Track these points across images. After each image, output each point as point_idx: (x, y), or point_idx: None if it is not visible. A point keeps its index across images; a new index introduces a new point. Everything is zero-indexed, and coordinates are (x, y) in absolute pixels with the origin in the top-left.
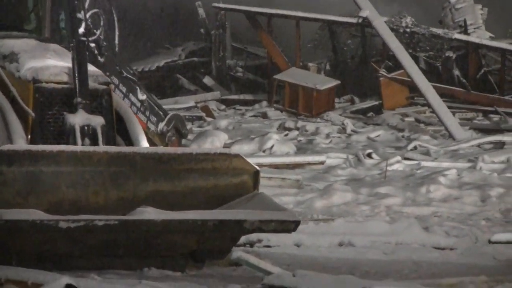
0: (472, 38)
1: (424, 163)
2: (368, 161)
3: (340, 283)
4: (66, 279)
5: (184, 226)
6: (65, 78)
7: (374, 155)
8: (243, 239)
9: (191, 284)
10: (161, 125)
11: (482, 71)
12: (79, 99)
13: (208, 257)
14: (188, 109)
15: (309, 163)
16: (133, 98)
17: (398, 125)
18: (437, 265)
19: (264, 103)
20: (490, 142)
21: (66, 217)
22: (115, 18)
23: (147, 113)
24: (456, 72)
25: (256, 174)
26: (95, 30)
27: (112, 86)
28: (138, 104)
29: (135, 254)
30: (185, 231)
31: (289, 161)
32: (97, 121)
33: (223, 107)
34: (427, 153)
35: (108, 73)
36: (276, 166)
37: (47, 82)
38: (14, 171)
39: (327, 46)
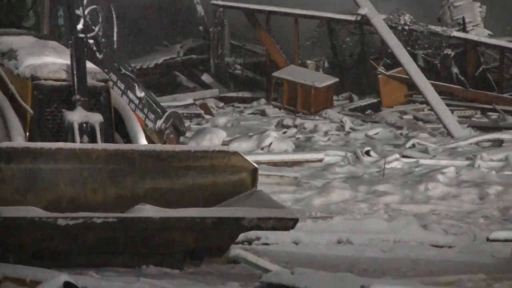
0: (471, 36)
1: (422, 161)
2: (367, 159)
3: (338, 281)
4: (64, 277)
5: (183, 223)
6: (63, 75)
7: (372, 153)
8: (241, 236)
9: (189, 282)
10: (159, 123)
11: (481, 68)
12: (77, 97)
13: (206, 255)
14: (186, 106)
15: (307, 161)
16: (131, 95)
17: (396, 123)
18: (435, 263)
19: (263, 100)
20: (489, 140)
21: (65, 215)
22: (114, 15)
23: (145, 110)
24: (455, 69)
25: (254, 172)
26: (93, 27)
27: (111, 83)
28: (136, 101)
29: (134, 251)
30: (184, 228)
31: (288, 158)
32: (96, 118)
33: (221, 104)
34: (425, 151)
35: (106, 70)
36: (275, 164)
37: (45, 80)
38: (13, 168)
39: (326, 43)
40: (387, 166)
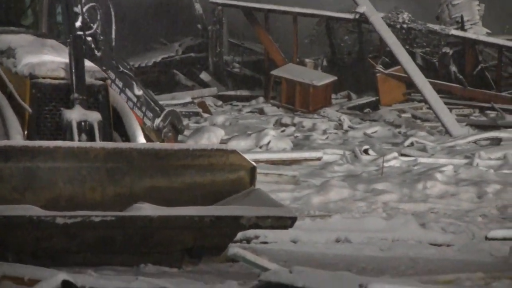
0: (469, 34)
1: (420, 160)
2: (365, 157)
3: (337, 280)
4: (63, 275)
5: (181, 222)
6: (62, 73)
7: (370, 151)
8: (239, 235)
9: (188, 280)
10: (158, 121)
11: (479, 67)
12: (76, 95)
13: (204, 253)
14: (185, 105)
15: (306, 159)
16: (129, 93)
17: (395, 121)
18: (433, 261)
19: (261, 99)
20: (487, 139)
21: (63, 213)
22: (112, 13)
23: (144, 108)
24: (453, 68)
25: (252, 170)
26: (91, 24)
27: (109, 82)
28: (135, 99)
29: (132, 250)
30: (182, 227)
31: (286, 157)
32: (94, 116)
33: (220, 103)
34: (423, 149)
35: (104, 68)
36: (273, 162)
37: (44, 78)
38: (11, 167)
39: (324, 42)
40: (385, 164)
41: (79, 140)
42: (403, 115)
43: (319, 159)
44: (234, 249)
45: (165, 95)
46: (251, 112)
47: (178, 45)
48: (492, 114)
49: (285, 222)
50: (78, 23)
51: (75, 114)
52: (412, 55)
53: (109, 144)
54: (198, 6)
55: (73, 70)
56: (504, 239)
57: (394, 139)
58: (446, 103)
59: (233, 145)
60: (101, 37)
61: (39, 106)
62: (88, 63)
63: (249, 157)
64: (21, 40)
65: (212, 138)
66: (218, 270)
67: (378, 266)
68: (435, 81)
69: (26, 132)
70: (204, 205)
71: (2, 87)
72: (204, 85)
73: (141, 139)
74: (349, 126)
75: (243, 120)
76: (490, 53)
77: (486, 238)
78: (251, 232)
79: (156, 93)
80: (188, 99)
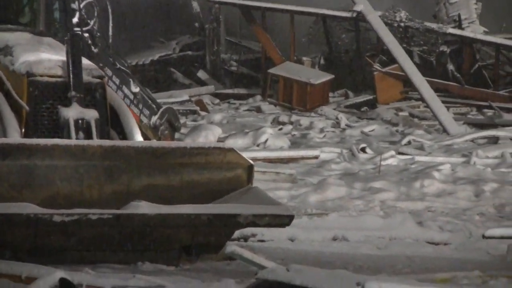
0: (466, 33)
1: (418, 158)
2: (362, 156)
3: (333, 278)
4: (60, 273)
5: (178, 220)
6: (59, 71)
7: (368, 150)
8: (237, 233)
9: (185, 279)
10: (154, 118)
11: (476, 65)
12: (73, 93)
13: (202, 251)
14: (182, 103)
15: (303, 158)
16: (126, 90)
17: (392, 120)
18: (430, 260)
19: (258, 97)
20: (484, 137)
21: (60, 211)
22: (109, 9)
23: (140, 106)
24: (450, 66)
25: (250, 168)
26: (88, 21)
27: (106, 79)
28: (131, 97)
29: (129, 248)
30: (179, 225)
31: (283, 155)
32: (91, 114)
33: (217, 101)
34: (421, 147)
35: (101, 64)
36: (270, 160)
37: (41, 76)
38: (9, 164)
39: (322, 40)
40: (382, 163)
41: (77, 138)
42: (400, 113)
43: (316, 157)
44: (231, 247)
45: (162, 93)
46: (248, 110)
47: (175, 43)
48: (490, 112)
49: (282, 220)
50: (75, 19)
51: (72, 112)
52: (410, 53)
53: (107, 142)
54: (195, 4)
55: (71, 68)
56: (502, 237)
57: (392, 138)
58: (443, 102)
59: (230, 143)
60: (98, 34)
61: (36, 104)
62: (85, 61)
63: (246, 155)
64: (18, 38)
65: (209, 136)
66: (215, 268)
67: (375, 265)
68: (433, 79)
69: (23, 130)
70: (201, 203)
71: None
72: (202, 83)
73: (138, 137)
74: (346, 125)
75: (241, 118)
76: (487, 51)
77: (483, 237)
78: (248, 230)
79: (153, 91)
80: (186, 97)
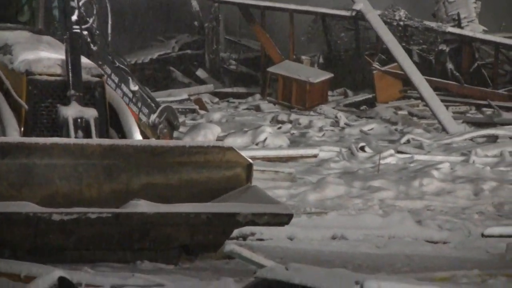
0: (466, 32)
1: (417, 157)
2: (361, 155)
3: (332, 276)
4: (59, 272)
5: (177, 219)
6: (58, 70)
7: (367, 149)
8: (236, 232)
9: (184, 277)
10: (153, 117)
11: (476, 64)
12: (72, 92)
13: (201, 250)
14: (181, 101)
15: (302, 156)
16: (125, 89)
17: (391, 119)
18: (429, 258)
19: (257, 96)
20: (483, 136)
21: (59, 210)
22: (108, 7)
23: (139, 104)
24: (450, 65)
25: (249, 167)
26: (87, 18)
27: (105, 77)
28: (130, 95)
29: (128, 247)
30: (178, 224)
31: (282, 154)
32: (90, 113)
33: (216, 100)
34: (420, 146)
35: (100, 62)
36: (269, 159)
37: (40, 75)
38: (8, 163)
39: (321, 39)
40: (381, 161)
41: (76, 137)
42: (399, 112)
43: (315, 156)
44: (230, 246)
45: (161, 92)
46: (247, 109)
47: (174, 42)
48: (489, 111)
49: (281, 219)
50: (74, 18)
51: (71, 111)
52: (409, 52)
53: (106, 141)
54: (194, 3)
55: (70, 67)
56: (501, 236)
57: (391, 136)
58: (442, 101)
59: (229, 142)
60: (97, 32)
61: (35, 103)
62: (84, 60)
63: (245, 154)
64: (17, 36)
65: (208, 135)
66: (214, 267)
67: (374, 263)
68: (432, 78)
69: (22, 129)
70: (200, 202)
71: None
72: (201, 82)
73: (137, 136)
74: (345, 123)
75: (240, 117)
76: (486, 50)
77: (483, 235)
78: (247, 229)
79: (152, 90)
80: (185, 96)
